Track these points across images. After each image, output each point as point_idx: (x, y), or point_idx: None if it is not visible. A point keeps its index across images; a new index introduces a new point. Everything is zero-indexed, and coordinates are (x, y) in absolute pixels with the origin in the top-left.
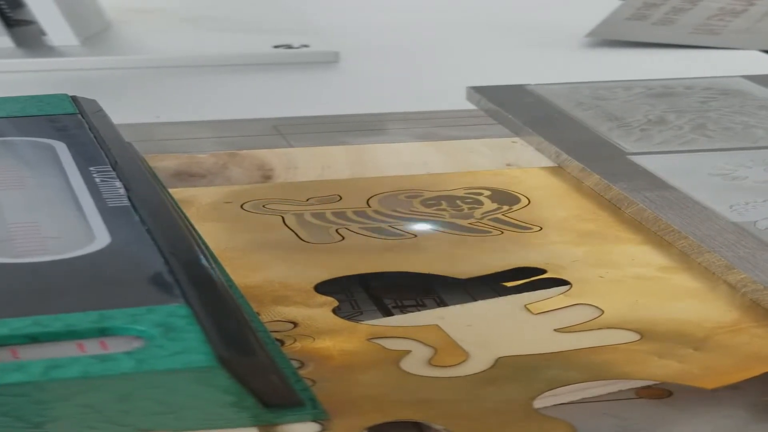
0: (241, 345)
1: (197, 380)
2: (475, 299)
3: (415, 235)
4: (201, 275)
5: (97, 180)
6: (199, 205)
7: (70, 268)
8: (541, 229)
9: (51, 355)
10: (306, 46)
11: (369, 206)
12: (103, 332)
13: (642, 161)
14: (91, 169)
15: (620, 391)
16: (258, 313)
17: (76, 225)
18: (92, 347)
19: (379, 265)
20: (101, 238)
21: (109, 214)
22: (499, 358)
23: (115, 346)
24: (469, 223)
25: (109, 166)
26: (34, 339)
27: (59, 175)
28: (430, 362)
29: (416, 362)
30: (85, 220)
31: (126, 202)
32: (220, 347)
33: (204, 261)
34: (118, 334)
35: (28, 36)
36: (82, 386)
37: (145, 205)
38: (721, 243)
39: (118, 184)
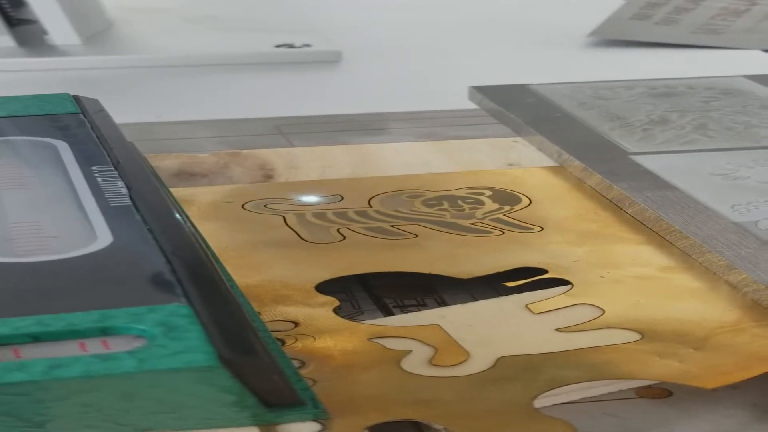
0: (243, 344)
1: (198, 380)
2: (476, 299)
3: (417, 235)
4: (202, 275)
5: (99, 179)
6: (200, 204)
7: (71, 268)
8: (543, 229)
9: (52, 355)
10: (308, 45)
11: (370, 206)
12: (104, 331)
13: (644, 161)
14: (93, 168)
15: (621, 391)
16: (259, 313)
17: (78, 224)
18: (94, 346)
19: (381, 264)
20: (103, 237)
21: (111, 213)
22: (500, 357)
23: (116, 345)
24: (471, 223)
25: (111, 166)
26: (35, 338)
27: (61, 175)
28: (431, 362)
29: (417, 362)
30: (87, 219)
31: (128, 202)
32: (222, 347)
33: (205, 260)
34: (119, 333)
35: (29, 35)
36: (83, 385)
37: (147, 205)
38: (723, 243)
39: (120, 183)
